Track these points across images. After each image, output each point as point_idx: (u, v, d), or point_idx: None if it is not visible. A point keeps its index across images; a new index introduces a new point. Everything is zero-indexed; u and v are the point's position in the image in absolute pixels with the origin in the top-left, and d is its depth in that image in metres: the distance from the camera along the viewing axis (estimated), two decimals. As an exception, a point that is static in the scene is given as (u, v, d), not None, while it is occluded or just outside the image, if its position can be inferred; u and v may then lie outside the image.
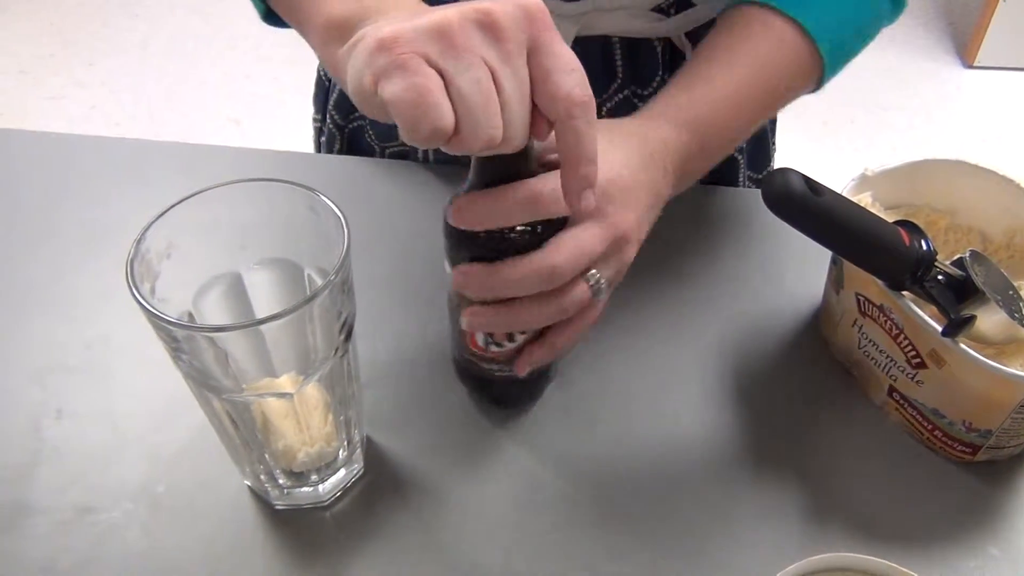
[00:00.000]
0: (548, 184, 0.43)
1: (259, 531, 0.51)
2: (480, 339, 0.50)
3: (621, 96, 0.71)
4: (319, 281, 0.48)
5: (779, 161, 0.88)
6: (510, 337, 0.49)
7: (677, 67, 0.70)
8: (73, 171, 0.75)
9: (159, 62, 2.35)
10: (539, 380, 0.56)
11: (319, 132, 0.82)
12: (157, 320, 0.40)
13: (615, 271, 0.48)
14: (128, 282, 0.40)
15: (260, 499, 0.52)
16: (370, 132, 0.77)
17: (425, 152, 0.74)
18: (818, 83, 0.60)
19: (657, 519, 0.51)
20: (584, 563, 0.49)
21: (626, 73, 0.70)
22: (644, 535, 0.50)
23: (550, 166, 0.46)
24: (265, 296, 0.49)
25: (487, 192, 0.44)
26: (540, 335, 0.50)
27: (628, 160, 0.49)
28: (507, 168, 0.44)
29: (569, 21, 0.66)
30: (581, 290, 0.46)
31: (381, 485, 0.53)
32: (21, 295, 0.64)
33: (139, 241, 0.42)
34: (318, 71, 0.80)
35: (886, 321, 0.52)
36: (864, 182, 0.57)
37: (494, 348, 0.50)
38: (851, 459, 0.54)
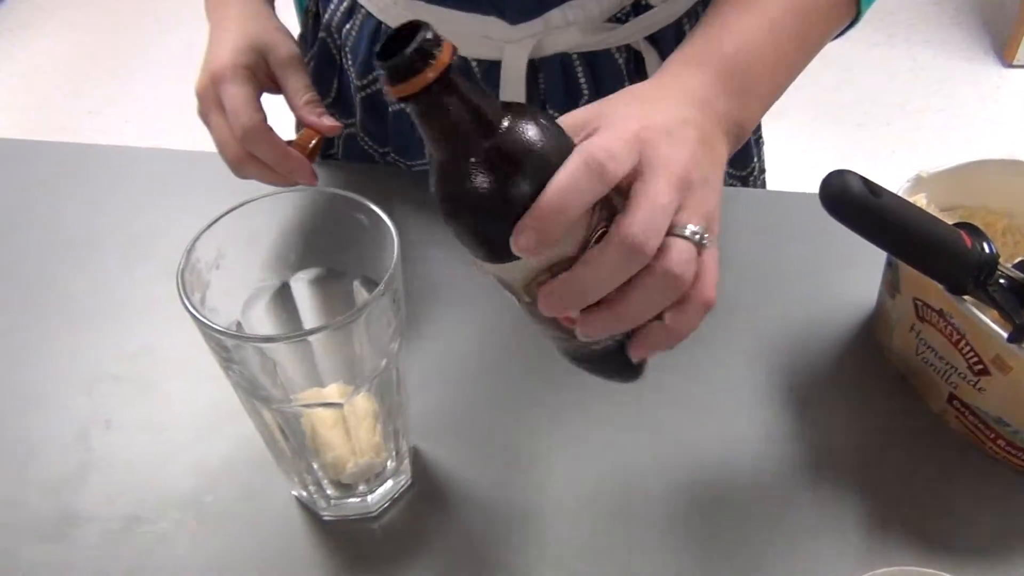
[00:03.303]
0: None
1: (307, 542, 0.50)
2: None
3: None
4: (365, 291, 0.48)
5: (768, 157, 0.86)
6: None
7: (641, 72, 0.68)
8: (112, 183, 0.75)
9: (192, 77, 2.37)
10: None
11: None
12: (208, 330, 0.40)
13: (701, 220, 0.40)
14: (179, 292, 0.40)
15: (308, 510, 0.51)
16: (363, 137, 0.77)
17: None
18: (856, 14, 0.55)
19: (711, 530, 0.50)
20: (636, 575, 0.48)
21: (591, 87, 0.68)
22: (698, 546, 0.49)
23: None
24: (312, 305, 0.49)
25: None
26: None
27: (649, 112, 0.43)
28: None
29: (520, 46, 0.64)
30: (679, 248, 0.38)
31: (429, 496, 0.52)
32: (66, 306, 0.64)
33: (189, 251, 0.42)
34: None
35: (946, 326, 0.50)
36: (919, 184, 0.55)
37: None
38: (910, 469, 0.53)
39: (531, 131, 0.36)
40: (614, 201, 0.38)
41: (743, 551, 0.49)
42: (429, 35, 0.34)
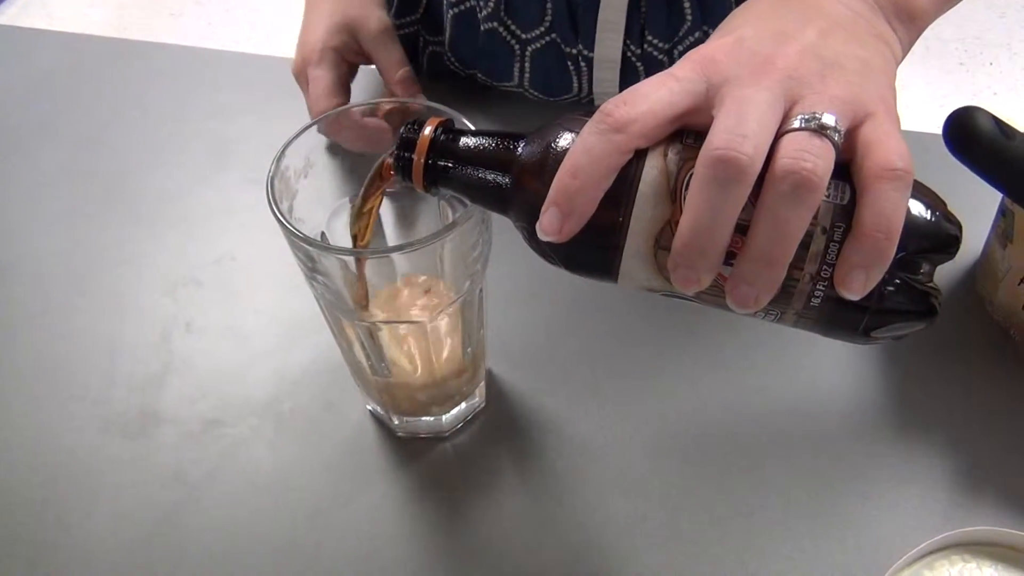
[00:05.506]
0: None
1: (380, 455, 0.51)
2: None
3: (693, 38, 0.65)
4: (451, 209, 0.47)
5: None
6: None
7: None
8: (199, 85, 0.75)
9: (274, -20, 2.35)
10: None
11: None
12: (296, 239, 0.39)
13: (824, 105, 0.32)
14: (269, 199, 0.40)
15: (382, 424, 0.52)
16: (450, 56, 0.75)
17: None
18: None
19: (790, 475, 0.49)
20: (710, 516, 0.47)
21: (695, 13, 0.64)
22: (775, 491, 0.48)
23: None
24: (397, 220, 0.48)
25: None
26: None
27: (727, 32, 0.37)
28: None
29: None
30: (787, 141, 0.31)
31: (501, 419, 0.52)
32: (151, 207, 0.65)
33: (279, 158, 0.41)
34: None
35: (1062, 282, 0.47)
36: (1045, 127, 0.51)
37: None
38: (1006, 427, 0.50)
39: (546, 147, 0.34)
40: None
41: (821, 495, 0.48)
42: (402, 129, 0.36)
